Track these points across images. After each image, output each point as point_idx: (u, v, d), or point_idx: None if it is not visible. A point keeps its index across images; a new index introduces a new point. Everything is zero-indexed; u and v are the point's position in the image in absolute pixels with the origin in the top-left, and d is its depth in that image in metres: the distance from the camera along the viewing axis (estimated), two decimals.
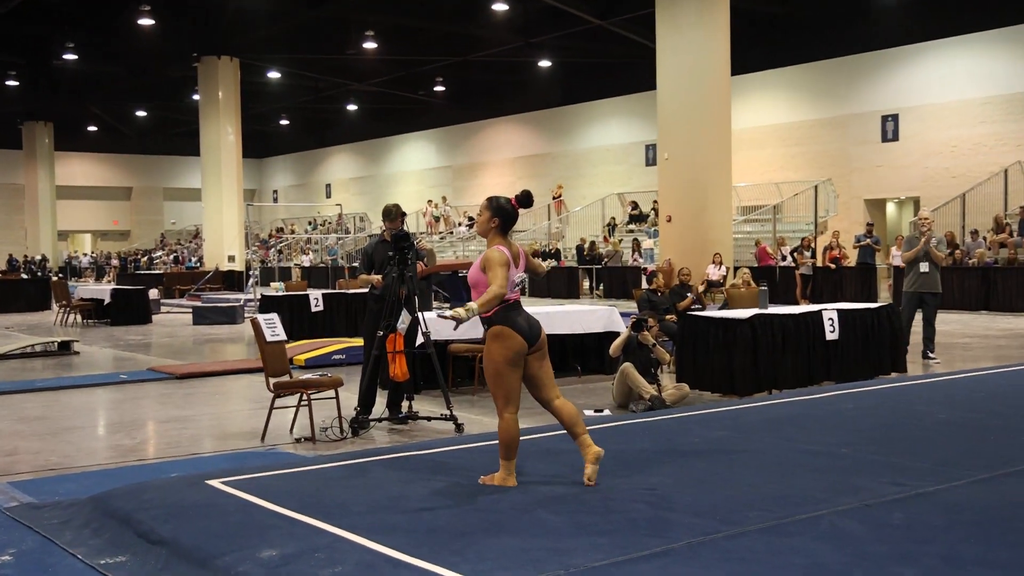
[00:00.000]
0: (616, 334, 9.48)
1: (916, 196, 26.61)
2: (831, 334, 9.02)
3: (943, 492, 4.72)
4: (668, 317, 10.41)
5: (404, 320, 7.32)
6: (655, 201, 26.32)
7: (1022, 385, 8.53)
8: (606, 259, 25.79)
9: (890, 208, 29.00)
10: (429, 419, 7.43)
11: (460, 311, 4.62)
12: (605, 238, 28.19)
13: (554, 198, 32.48)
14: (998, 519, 4.25)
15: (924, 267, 10.23)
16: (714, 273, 19.99)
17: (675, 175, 19.61)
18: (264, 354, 7.18)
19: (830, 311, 9.12)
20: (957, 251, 19.91)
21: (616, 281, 24.63)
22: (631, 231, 28.57)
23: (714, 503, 4.56)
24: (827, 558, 3.74)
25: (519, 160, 37.39)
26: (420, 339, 7.80)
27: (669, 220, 19.86)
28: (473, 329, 9.44)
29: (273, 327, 7.20)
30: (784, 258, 21.77)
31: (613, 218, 30.25)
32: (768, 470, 5.26)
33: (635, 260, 24.95)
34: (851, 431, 6.41)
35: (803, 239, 21.68)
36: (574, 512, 4.46)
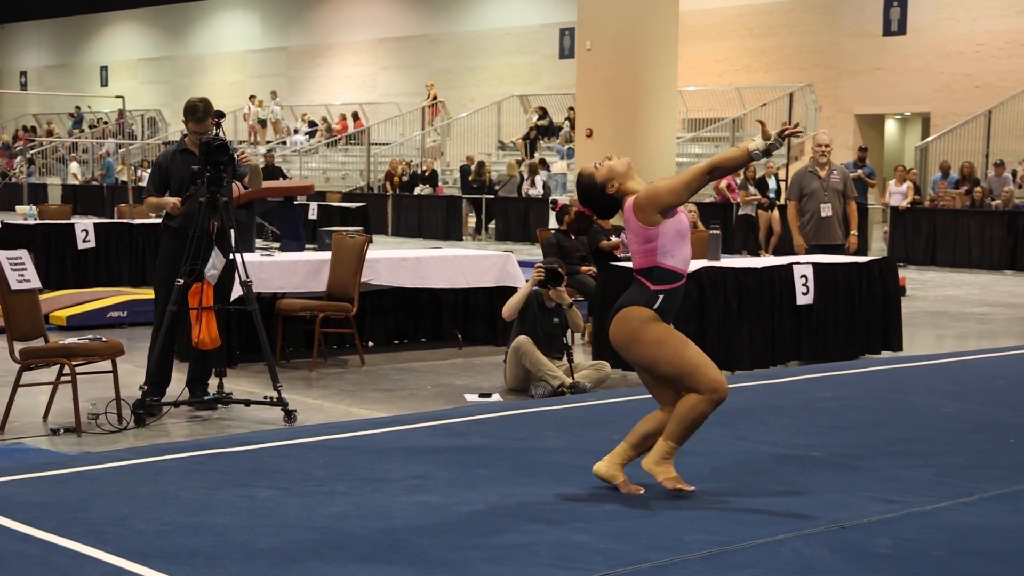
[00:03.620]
0: (512, 290, 9.56)
1: (926, 112, 27.48)
2: (804, 297, 9.27)
3: (945, 512, 4.94)
4: (584, 269, 10.54)
5: (215, 264, 7.20)
6: (571, 108, 26.46)
7: None
8: (500, 186, 25.89)
9: (890, 127, 29.87)
10: (248, 403, 7.39)
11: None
12: (516, 162, 28.24)
13: (432, 102, 32.33)
14: (1014, 546, 4.48)
15: (825, 210, 10.63)
16: None
17: (599, 73, 19.74)
18: (6, 308, 7.00)
19: (803, 266, 9.36)
20: (977, 189, 20.67)
21: (514, 217, 24.77)
22: (537, 148, 28.71)
23: (641, 524, 4.67)
24: None
25: (383, 44, 37.04)
26: (237, 291, 7.70)
27: (590, 135, 20.01)
28: (312, 280, 9.40)
29: (21, 269, 7.03)
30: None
31: (524, 137, 30.33)
32: (715, 479, 5.41)
33: (539, 189, 25.10)
34: (826, 428, 6.63)
35: (746, 168, 22.03)
36: (448, 532, 4.52)
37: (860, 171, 21.66)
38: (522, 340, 8.18)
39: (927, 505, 5.02)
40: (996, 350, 10.19)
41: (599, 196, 5.24)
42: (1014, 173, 21.05)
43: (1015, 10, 25.41)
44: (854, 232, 11.18)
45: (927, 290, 16.10)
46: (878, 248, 21.19)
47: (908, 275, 16.98)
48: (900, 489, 5.27)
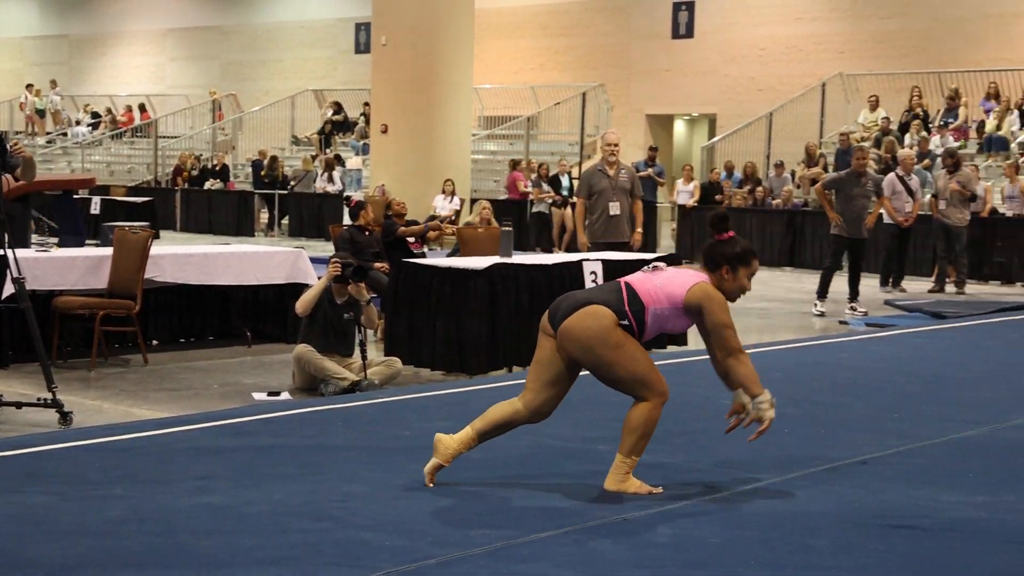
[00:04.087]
0: (304, 287, 9.46)
1: (712, 113, 28.38)
2: None
3: (723, 501, 5.12)
4: (377, 265, 10.51)
5: None
6: (366, 104, 26.37)
7: (827, 363, 9.37)
8: (295, 182, 25.61)
9: (679, 127, 30.74)
10: (19, 405, 7.10)
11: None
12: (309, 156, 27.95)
13: (216, 109, 31.62)
14: (785, 532, 4.66)
15: (614, 208, 10.97)
16: (444, 207, 20.40)
17: (395, 69, 19.75)
18: None
19: (593, 262, 9.56)
20: (759, 188, 21.45)
21: (307, 214, 24.54)
22: (332, 144, 28.50)
23: (427, 520, 4.69)
24: None
25: (172, 34, 36.18)
26: (9, 288, 7.41)
27: (385, 131, 20.02)
28: (92, 276, 9.11)
29: None
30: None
31: (319, 132, 30.03)
32: (502, 473, 5.47)
33: (337, 184, 24.92)
34: (614, 422, 6.74)
35: (540, 166, 22.35)
36: (232, 533, 4.44)
37: (650, 170, 22.24)
38: (301, 350, 8.09)
39: (706, 495, 5.18)
40: (775, 344, 10.60)
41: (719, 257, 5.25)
42: (793, 173, 21.91)
43: (795, 17, 26.50)
44: (639, 230, 11.47)
45: None
46: (667, 245, 21.79)
47: None
48: (681, 479, 5.43)
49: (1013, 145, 21.73)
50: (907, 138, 22.37)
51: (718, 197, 21.72)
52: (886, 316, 13.27)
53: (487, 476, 5.41)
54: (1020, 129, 22.18)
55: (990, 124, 22.19)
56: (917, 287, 16.52)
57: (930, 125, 22.84)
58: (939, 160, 19.66)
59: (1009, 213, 18.75)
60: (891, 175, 16.79)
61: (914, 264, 17.53)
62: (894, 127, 22.86)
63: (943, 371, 9.10)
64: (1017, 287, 17.35)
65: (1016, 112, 22.34)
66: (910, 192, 16.55)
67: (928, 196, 17.77)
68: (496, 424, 5.23)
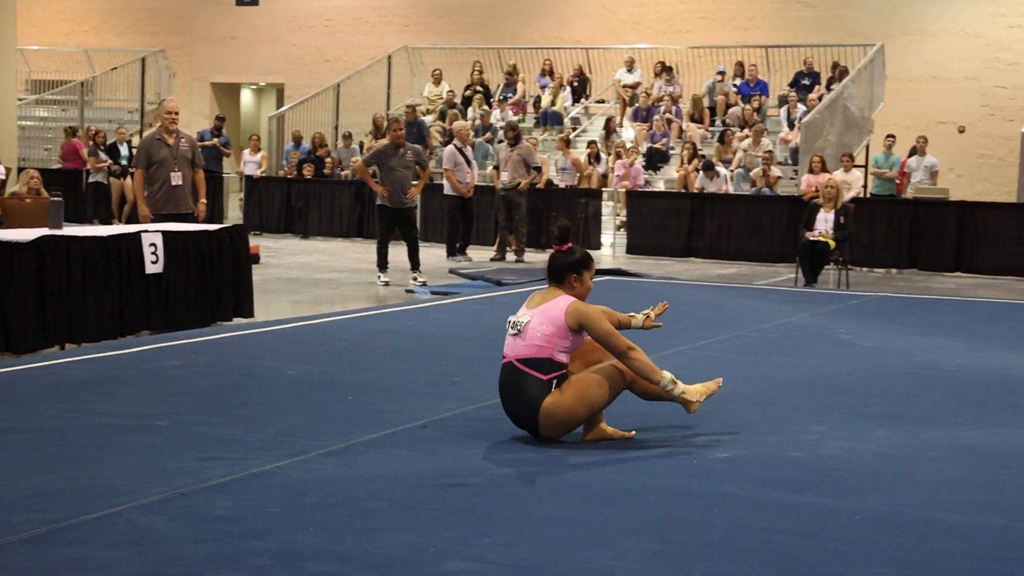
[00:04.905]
0: None
1: (280, 82, 28.25)
2: (153, 266, 9.21)
3: (284, 470, 5.12)
4: None
5: None
6: None
7: (392, 331, 9.57)
8: None
9: (246, 96, 30.39)
10: None
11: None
12: None
13: None
14: (344, 497, 4.73)
15: (176, 178, 10.84)
16: None
17: None
18: None
19: (153, 234, 9.30)
20: (328, 160, 21.59)
21: None
22: None
23: None
24: (121, 570, 3.83)
25: None
26: None
27: None
28: None
29: None
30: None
31: None
32: (57, 455, 5.24)
33: None
34: (175, 397, 6.64)
35: (96, 134, 21.34)
36: None
37: (216, 140, 21.85)
38: None
39: (266, 465, 5.16)
40: (342, 313, 10.71)
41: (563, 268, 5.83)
42: (361, 144, 22.19)
43: None
44: (203, 200, 11.27)
45: (281, 257, 16.60)
46: (235, 216, 21.54)
47: (263, 243, 17.41)
48: (241, 451, 5.39)
49: (566, 120, 23.00)
50: (470, 111, 23.17)
51: (282, 171, 21.68)
52: (450, 284, 13.72)
53: (29, 458, 5.15)
54: (572, 105, 23.51)
55: (545, 99, 23.36)
56: (481, 255, 17.18)
57: (491, 99, 23.76)
58: (500, 133, 20.55)
59: (562, 184, 19.85)
60: (450, 147, 17.37)
61: (478, 234, 18.23)
62: (458, 100, 23.60)
63: (501, 336, 9.46)
64: None
65: (568, 88, 23.63)
66: (469, 163, 17.18)
67: (490, 168, 18.50)
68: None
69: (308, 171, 21.31)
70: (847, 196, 16.29)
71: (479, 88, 23.75)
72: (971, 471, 5.44)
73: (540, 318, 5.70)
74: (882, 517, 4.65)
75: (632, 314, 6.09)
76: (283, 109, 24.71)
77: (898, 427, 6.34)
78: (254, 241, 14.20)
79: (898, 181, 19.54)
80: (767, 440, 5.93)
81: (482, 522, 4.46)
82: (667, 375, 5.68)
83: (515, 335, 5.78)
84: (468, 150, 17.45)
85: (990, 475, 5.38)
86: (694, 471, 5.32)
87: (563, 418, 5.63)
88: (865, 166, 20.57)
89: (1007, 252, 16.62)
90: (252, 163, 21.76)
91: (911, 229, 17.07)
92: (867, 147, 21.07)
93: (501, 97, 23.67)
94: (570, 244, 5.88)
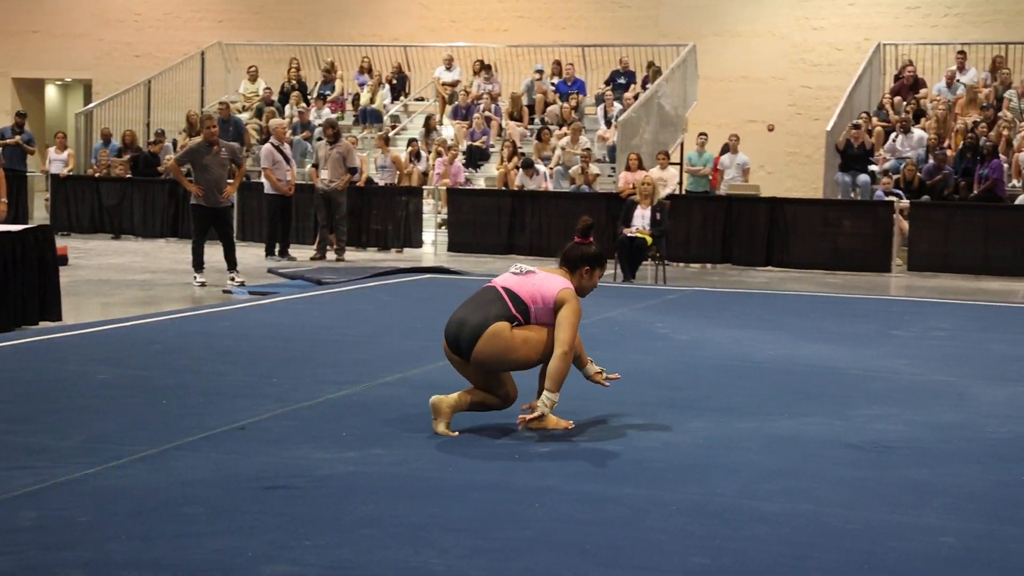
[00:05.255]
0: None
1: (87, 78, 27.44)
2: None
3: (94, 477, 4.96)
4: None
5: None
6: None
7: (208, 333, 9.38)
8: None
9: (51, 92, 29.43)
10: None
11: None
12: None
13: None
14: (158, 503, 4.61)
15: None
16: None
17: None
18: None
19: None
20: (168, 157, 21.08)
21: None
22: None
23: None
24: None
25: None
26: None
27: None
28: None
29: None
30: None
31: None
32: None
33: None
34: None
35: None
36: None
37: (18, 137, 21.09)
38: None
39: (75, 472, 5.00)
40: (157, 315, 10.45)
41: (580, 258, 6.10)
42: (175, 142, 21.69)
43: None
44: (4, 200, 10.88)
45: (91, 258, 16.12)
46: (40, 217, 20.84)
47: (72, 244, 16.89)
48: (49, 459, 5.21)
49: (385, 117, 22.92)
50: (287, 109, 22.90)
51: (91, 170, 21.06)
52: (268, 284, 13.52)
53: None
54: (391, 102, 23.44)
55: (364, 97, 23.23)
56: (301, 255, 16.98)
57: (309, 97, 23.51)
58: (319, 131, 20.35)
59: (382, 182, 19.77)
60: (267, 146, 17.14)
61: (297, 233, 18.02)
62: (275, 98, 23.29)
63: (321, 335, 9.41)
64: (392, 252, 18.37)
65: (387, 86, 23.55)
66: (288, 161, 16.98)
67: (309, 166, 18.29)
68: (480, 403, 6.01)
69: (121, 170, 20.74)
70: (663, 193, 16.65)
71: (295, 85, 23.49)
72: (782, 460, 5.61)
73: (542, 279, 5.97)
74: (697, 507, 4.75)
75: (592, 360, 6.26)
76: (91, 106, 24.00)
77: (713, 418, 6.50)
78: (62, 242, 13.75)
79: (711, 178, 20.05)
80: (588, 433, 6.01)
81: (302, 524, 4.40)
82: (555, 396, 5.78)
83: (516, 273, 6.06)
84: (286, 148, 17.24)
85: (799, 463, 5.55)
86: (514, 466, 5.35)
87: (501, 347, 5.81)
88: (680, 163, 21.03)
89: (815, 247, 17.18)
90: (58, 161, 21.08)
91: (724, 225, 17.50)
92: (681, 145, 21.55)
93: (319, 95, 23.45)
94: (591, 239, 6.14)
